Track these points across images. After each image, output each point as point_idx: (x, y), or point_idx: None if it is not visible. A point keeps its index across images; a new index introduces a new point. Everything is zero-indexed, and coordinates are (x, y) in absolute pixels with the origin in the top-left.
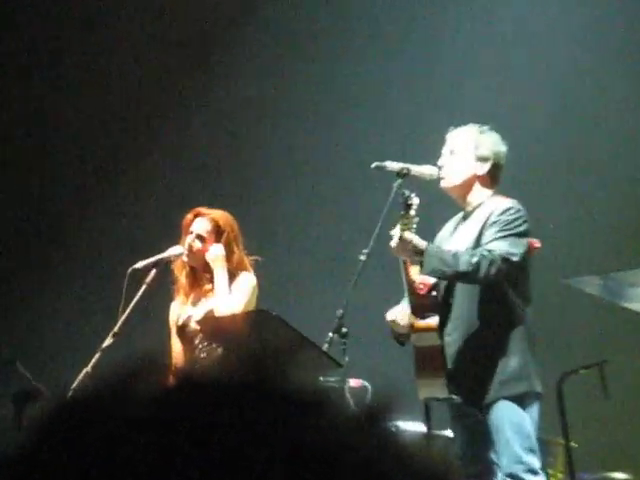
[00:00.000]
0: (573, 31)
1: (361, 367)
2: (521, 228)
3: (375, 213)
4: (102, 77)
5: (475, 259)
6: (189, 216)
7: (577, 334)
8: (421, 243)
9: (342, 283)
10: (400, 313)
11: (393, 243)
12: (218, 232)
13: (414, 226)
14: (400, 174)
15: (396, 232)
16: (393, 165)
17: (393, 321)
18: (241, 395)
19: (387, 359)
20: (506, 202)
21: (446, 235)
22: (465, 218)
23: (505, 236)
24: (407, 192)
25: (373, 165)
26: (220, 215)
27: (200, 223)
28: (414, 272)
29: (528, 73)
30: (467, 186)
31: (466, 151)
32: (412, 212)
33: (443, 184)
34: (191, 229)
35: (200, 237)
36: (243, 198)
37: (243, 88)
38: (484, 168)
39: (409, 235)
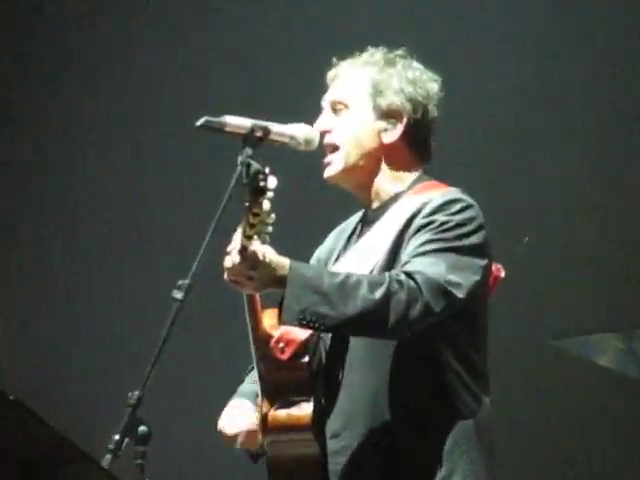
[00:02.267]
0: None
1: None
2: (472, 239)
3: (201, 214)
4: None
5: (381, 291)
6: None
7: (576, 437)
8: (280, 261)
9: (141, 341)
10: (241, 413)
11: (228, 262)
12: None
13: (269, 229)
14: (250, 139)
15: (235, 240)
16: (237, 122)
17: (230, 434)
18: None
19: None
20: (444, 192)
21: (333, 252)
22: (368, 222)
23: (440, 250)
24: (256, 165)
25: (199, 122)
26: None
27: None
28: (269, 319)
29: None
30: (368, 168)
31: (361, 102)
32: (265, 204)
33: (328, 172)
34: None
35: None
36: None
37: None
38: (395, 131)
39: (258, 247)
